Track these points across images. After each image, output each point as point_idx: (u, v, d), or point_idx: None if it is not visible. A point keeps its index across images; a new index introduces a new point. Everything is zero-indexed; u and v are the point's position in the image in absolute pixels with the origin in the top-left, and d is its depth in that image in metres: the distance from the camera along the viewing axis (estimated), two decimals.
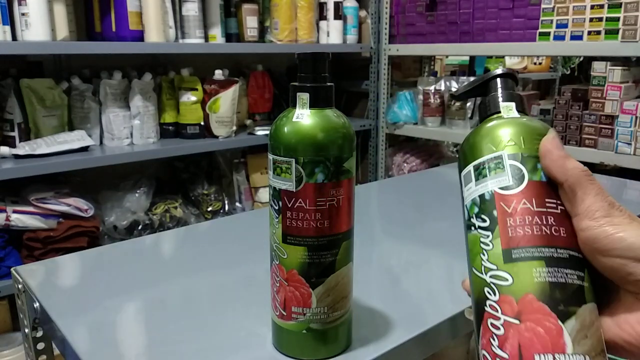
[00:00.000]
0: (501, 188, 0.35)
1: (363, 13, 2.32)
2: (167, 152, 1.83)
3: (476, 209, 0.36)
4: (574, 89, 1.76)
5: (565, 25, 1.68)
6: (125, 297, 0.62)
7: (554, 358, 0.31)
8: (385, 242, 0.82)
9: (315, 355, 0.48)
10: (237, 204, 2.16)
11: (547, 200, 0.35)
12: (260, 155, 2.19)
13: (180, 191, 2.05)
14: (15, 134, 1.58)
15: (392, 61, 2.37)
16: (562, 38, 1.70)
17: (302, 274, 0.45)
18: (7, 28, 1.47)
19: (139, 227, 1.80)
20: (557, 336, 0.31)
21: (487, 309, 0.34)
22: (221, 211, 2.08)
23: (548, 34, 1.73)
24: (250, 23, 2.02)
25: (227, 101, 1.93)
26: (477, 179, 0.37)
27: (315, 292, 0.46)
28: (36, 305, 0.60)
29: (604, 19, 1.59)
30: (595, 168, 1.69)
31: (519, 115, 0.39)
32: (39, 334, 0.65)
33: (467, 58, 2.80)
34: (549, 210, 0.34)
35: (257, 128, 2.06)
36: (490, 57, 3.12)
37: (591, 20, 1.62)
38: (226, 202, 2.12)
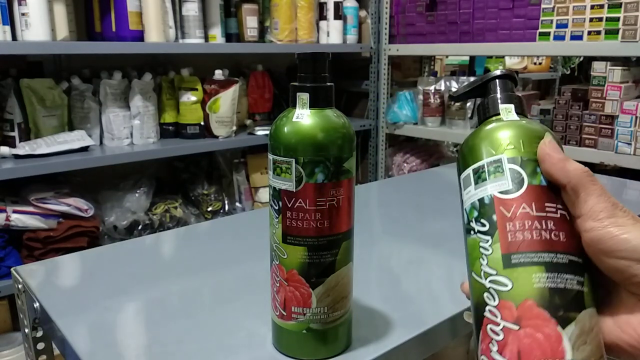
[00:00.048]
0: (501, 192, 0.35)
1: (363, 13, 2.32)
2: (167, 152, 1.83)
3: (475, 213, 0.36)
4: (574, 89, 1.76)
5: (565, 25, 1.68)
6: (125, 297, 0.62)
7: None
8: (385, 242, 0.82)
9: (315, 355, 0.48)
10: (237, 204, 2.16)
11: (546, 204, 0.34)
12: (260, 155, 2.19)
13: (180, 191, 2.05)
14: (15, 134, 1.58)
15: (392, 61, 2.37)
16: (562, 38, 1.70)
17: (302, 274, 0.45)
18: (7, 28, 1.47)
19: (139, 227, 1.81)
20: (557, 342, 0.31)
21: (487, 314, 0.34)
22: (221, 211, 2.08)
23: (548, 34, 1.73)
24: (250, 23, 2.02)
25: (227, 101, 1.93)
26: (476, 183, 0.37)
27: (315, 292, 0.46)
28: (36, 305, 0.60)
29: (604, 19, 1.59)
30: (595, 168, 1.69)
31: (518, 118, 0.38)
32: (39, 334, 0.65)
33: (467, 58, 2.80)
34: (548, 214, 0.34)
35: (257, 128, 2.06)
36: (490, 57, 3.12)
37: (591, 20, 1.62)
38: (226, 202, 2.12)
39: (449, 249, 0.75)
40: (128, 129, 1.80)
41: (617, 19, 1.56)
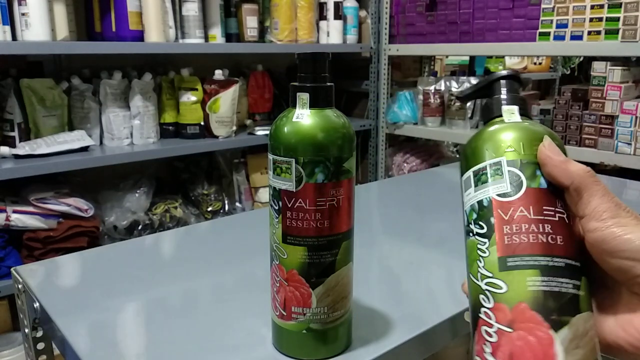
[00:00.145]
0: (499, 195, 0.35)
1: (363, 13, 2.32)
2: (167, 152, 1.83)
3: (474, 215, 0.36)
4: (574, 89, 1.76)
5: (565, 25, 1.68)
6: (125, 297, 0.62)
7: None
8: (385, 242, 0.82)
9: (315, 355, 0.48)
10: (237, 204, 2.16)
11: (545, 207, 0.34)
12: (260, 155, 2.19)
13: (180, 191, 2.05)
14: (15, 134, 1.58)
15: (392, 61, 2.36)
16: (562, 38, 1.70)
17: (302, 274, 0.45)
18: (7, 28, 1.47)
19: (139, 227, 1.81)
20: (548, 346, 0.31)
21: (482, 315, 0.34)
22: (221, 211, 2.08)
23: (548, 34, 1.73)
24: (250, 23, 2.02)
25: (227, 101, 1.93)
26: (476, 185, 0.37)
27: (315, 292, 0.46)
28: (36, 305, 0.60)
29: (604, 19, 1.59)
30: (595, 168, 1.68)
31: (520, 120, 0.38)
32: (39, 334, 0.64)
33: (467, 58, 2.80)
34: (546, 218, 0.34)
35: (257, 128, 2.06)
36: (490, 57, 3.13)
37: (591, 20, 1.62)
38: (226, 202, 2.12)
39: (449, 249, 0.75)
40: (128, 129, 1.80)
41: (617, 19, 1.56)
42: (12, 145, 1.57)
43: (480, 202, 0.36)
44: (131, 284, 0.65)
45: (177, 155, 1.90)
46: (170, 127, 1.92)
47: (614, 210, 0.33)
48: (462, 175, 0.39)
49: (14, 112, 1.58)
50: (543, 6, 1.74)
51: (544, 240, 0.33)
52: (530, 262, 0.33)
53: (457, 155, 2.56)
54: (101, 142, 1.79)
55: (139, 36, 1.71)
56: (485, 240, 0.35)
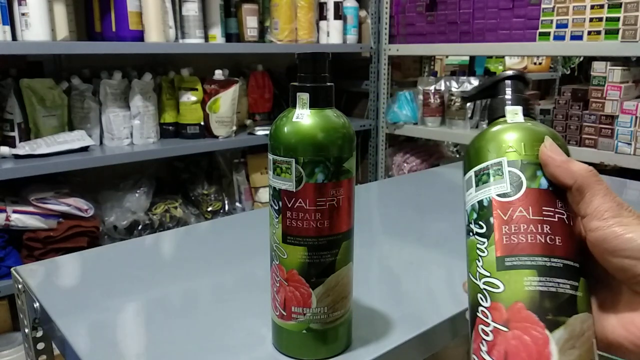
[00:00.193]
0: (499, 195, 0.35)
1: (363, 13, 2.32)
2: (167, 152, 1.83)
3: (475, 215, 0.36)
4: (574, 89, 1.76)
5: (565, 25, 1.68)
6: (125, 297, 0.62)
7: None
8: (385, 242, 0.82)
9: (315, 355, 0.48)
10: (237, 204, 2.16)
11: (544, 208, 0.34)
12: (260, 155, 2.19)
13: (180, 191, 2.05)
14: (15, 134, 1.58)
15: (392, 61, 2.36)
16: (562, 38, 1.70)
17: (302, 274, 0.45)
18: (7, 28, 1.47)
19: (139, 227, 1.81)
20: (543, 345, 0.31)
21: (479, 314, 0.34)
22: (221, 211, 2.08)
23: (548, 34, 1.73)
24: (250, 23, 2.02)
25: (227, 101, 1.93)
26: (477, 185, 0.37)
27: (315, 292, 0.46)
28: (36, 305, 0.60)
29: (604, 19, 1.59)
30: (595, 168, 1.69)
31: (523, 120, 0.38)
32: (39, 334, 0.65)
33: (467, 58, 2.80)
34: (545, 218, 0.34)
35: (257, 128, 2.06)
36: (490, 57, 3.13)
37: (591, 20, 1.62)
38: (226, 202, 2.12)
39: (449, 249, 0.75)
40: (128, 129, 1.80)
41: (617, 19, 1.56)
42: (12, 145, 1.57)
43: (480, 202, 0.36)
44: (131, 284, 0.65)
45: (177, 155, 1.90)
46: (170, 127, 1.93)
47: (616, 210, 0.33)
48: (464, 175, 0.39)
49: (14, 112, 1.58)
50: (543, 6, 1.74)
51: (543, 240, 0.34)
52: (528, 262, 0.33)
53: (458, 155, 2.56)
54: (101, 142, 1.79)
55: (139, 36, 1.71)
56: (485, 239, 0.35)
